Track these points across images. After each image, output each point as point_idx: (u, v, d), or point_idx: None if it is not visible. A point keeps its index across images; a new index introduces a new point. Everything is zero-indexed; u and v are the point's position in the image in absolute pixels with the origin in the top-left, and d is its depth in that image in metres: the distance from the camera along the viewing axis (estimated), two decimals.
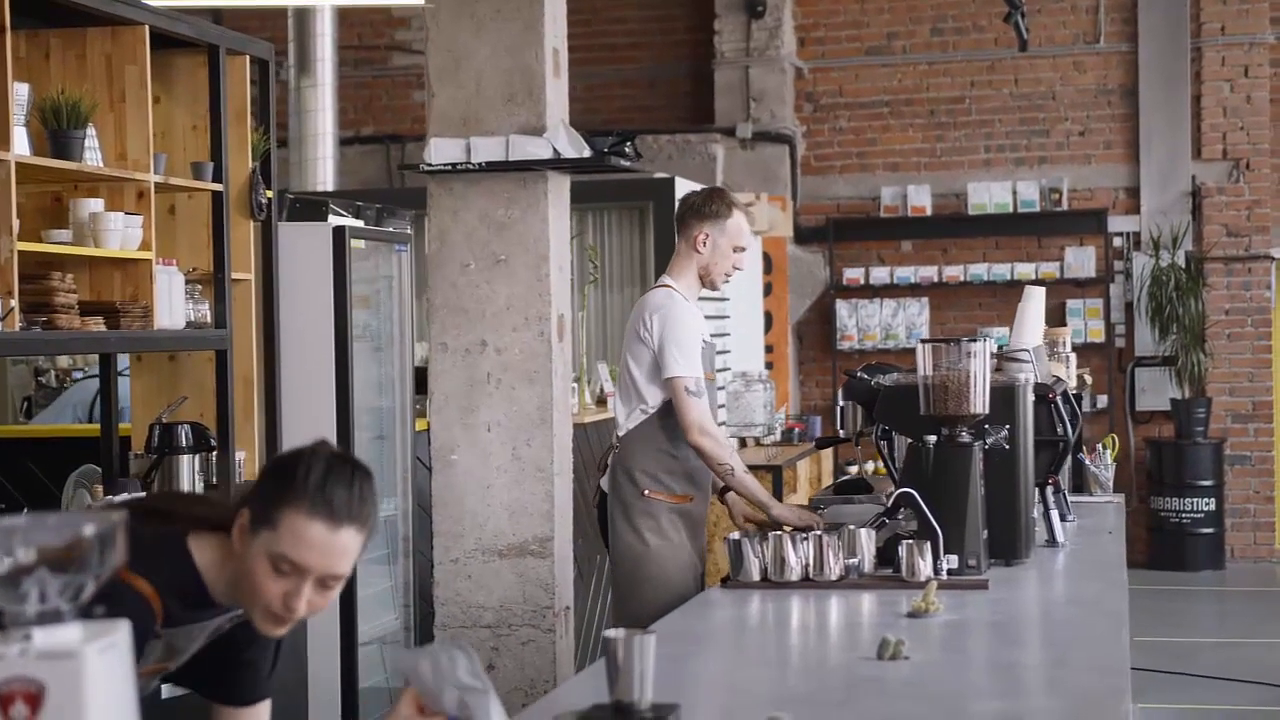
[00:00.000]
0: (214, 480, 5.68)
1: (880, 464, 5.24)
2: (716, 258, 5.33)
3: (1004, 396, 4.57)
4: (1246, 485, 12.73)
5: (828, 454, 11.41)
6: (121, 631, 1.79)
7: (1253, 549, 12.73)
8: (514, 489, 5.65)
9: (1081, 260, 12.77)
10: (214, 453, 5.65)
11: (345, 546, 2.60)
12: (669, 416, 5.28)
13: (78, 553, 1.76)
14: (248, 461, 5.94)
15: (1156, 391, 12.72)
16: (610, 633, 2.77)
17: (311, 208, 6.48)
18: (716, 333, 10.31)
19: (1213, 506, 12.38)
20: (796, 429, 11.05)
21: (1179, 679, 8.80)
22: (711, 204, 5.35)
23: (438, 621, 5.69)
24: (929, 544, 4.25)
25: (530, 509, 5.63)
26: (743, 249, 5.39)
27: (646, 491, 5.24)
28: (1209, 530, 12.40)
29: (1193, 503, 12.35)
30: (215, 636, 2.83)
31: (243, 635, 2.85)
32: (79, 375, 8.52)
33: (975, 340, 4.45)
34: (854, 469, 10.71)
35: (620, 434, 5.34)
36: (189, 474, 5.47)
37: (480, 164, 5.59)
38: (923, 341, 4.49)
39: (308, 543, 2.58)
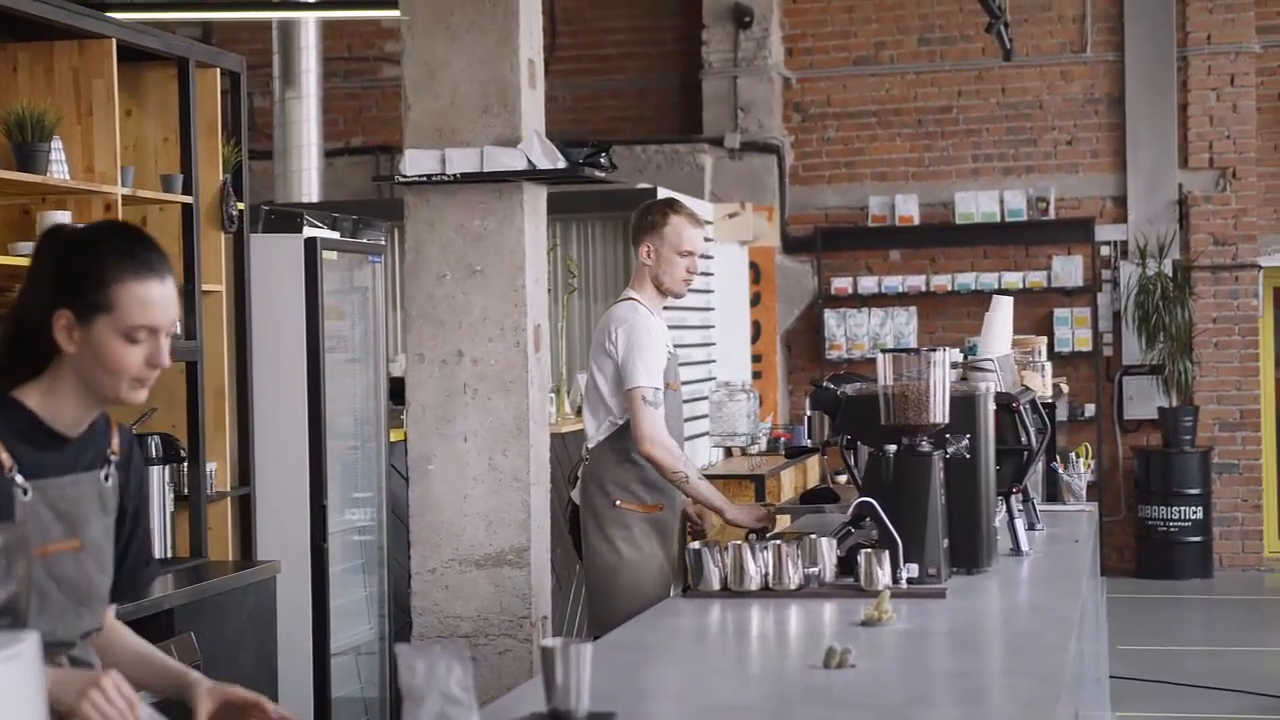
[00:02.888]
0: (185, 491, 5.70)
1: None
2: (663, 266, 5.44)
3: (965, 406, 4.57)
4: (1234, 494, 12.73)
5: (814, 463, 11.42)
6: (29, 642, 1.81)
7: (1240, 557, 12.73)
8: (491, 499, 5.65)
9: (1069, 269, 12.78)
10: (184, 464, 5.66)
11: (171, 291, 2.79)
12: None
13: None
14: (219, 473, 5.95)
15: (1144, 400, 12.73)
16: (546, 642, 2.80)
17: (287, 219, 6.49)
18: (702, 342, 10.36)
19: (1200, 515, 12.39)
20: (783, 438, 11.05)
21: (1162, 687, 8.81)
22: (648, 216, 5.51)
23: (415, 631, 5.70)
24: (888, 553, 4.26)
25: (507, 519, 5.64)
26: (689, 253, 5.47)
27: (618, 502, 5.34)
28: (1197, 539, 12.40)
29: (1180, 511, 12.35)
30: (101, 509, 2.85)
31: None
32: None
33: (935, 350, 4.46)
34: (843, 479, 10.71)
35: (590, 445, 5.44)
36: (159, 485, 5.48)
37: (455, 175, 5.60)
38: (883, 351, 4.51)
39: (151, 304, 2.74)
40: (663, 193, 10.15)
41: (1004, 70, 12.87)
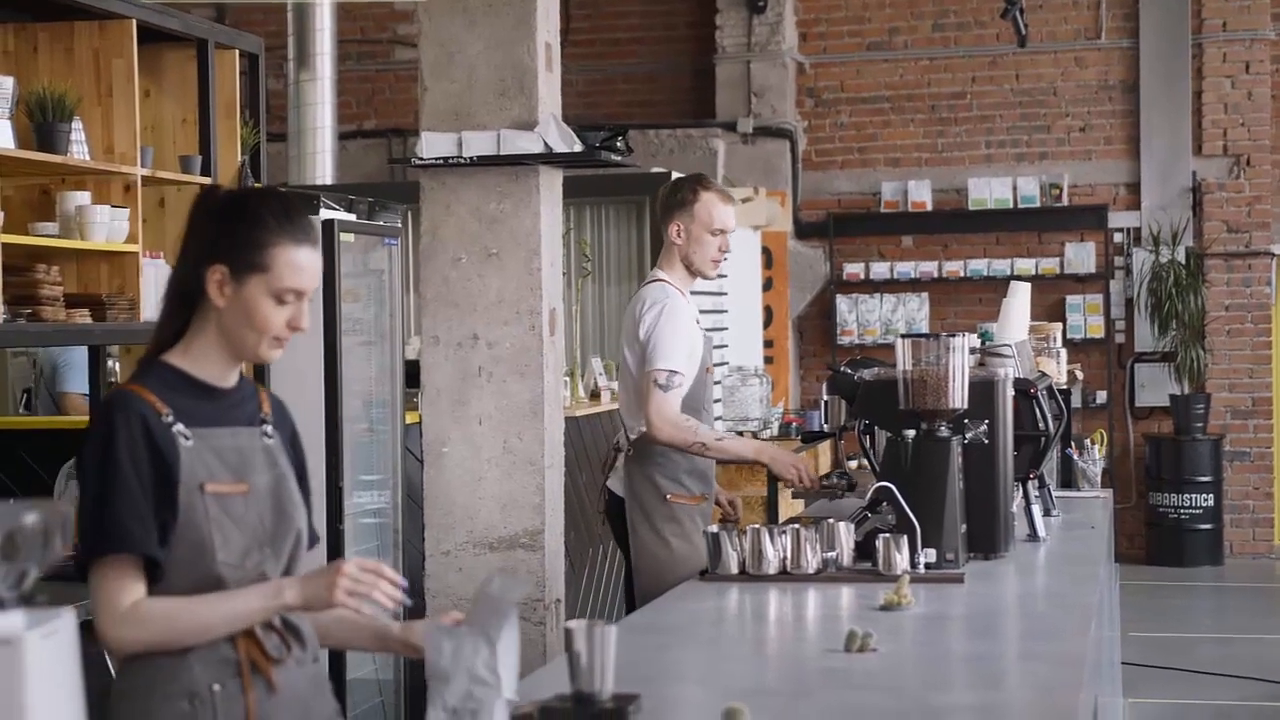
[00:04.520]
0: None
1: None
2: (693, 246, 5.29)
3: (983, 391, 4.57)
4: (1245, 481, 12.74)
5: (826, 448, 11.42)
6: (66, 619, 1.82)
7: (1251, 545, 12.74)
8: (505, 482, 5.65)
9: (1082, 256, 12.77)
10: None
11: (319, 259, 2.91)
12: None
13: (20, 541, 1.79)
14: None
15: (1156, 387, 12.72)
16: (571, 624, 2.80)
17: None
18: (714, 327, 10.35)
19: (1211, 502, 12.39)
20: (795, 423, 11.05)
21: (1172, 674, 8.82)
22: (677, 193, 5.34)
23: (428, 614, 5.71)
24: (906, 538, 4.26)
25: (521, 502, 5.64)
26: (721, 231, 5.31)
27: (669, 496, 5.21)
28: (1207, 526, 12.41)
29: (1191, 498, 12.36)
30: (268, 462, 2.95)
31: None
32: None
33: (954, 335, 4.46)
34: (854, 464, 10.71)
35: (632, 437, 5.29)
36: None
37: (472, 158, 5.59)
38: (902, 336, 4.50)
39: (303, 269, 2.86)
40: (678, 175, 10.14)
41: (1018, 56, 12.85)
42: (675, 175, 10.21)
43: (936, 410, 4.43)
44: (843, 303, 13.08)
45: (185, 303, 2.90)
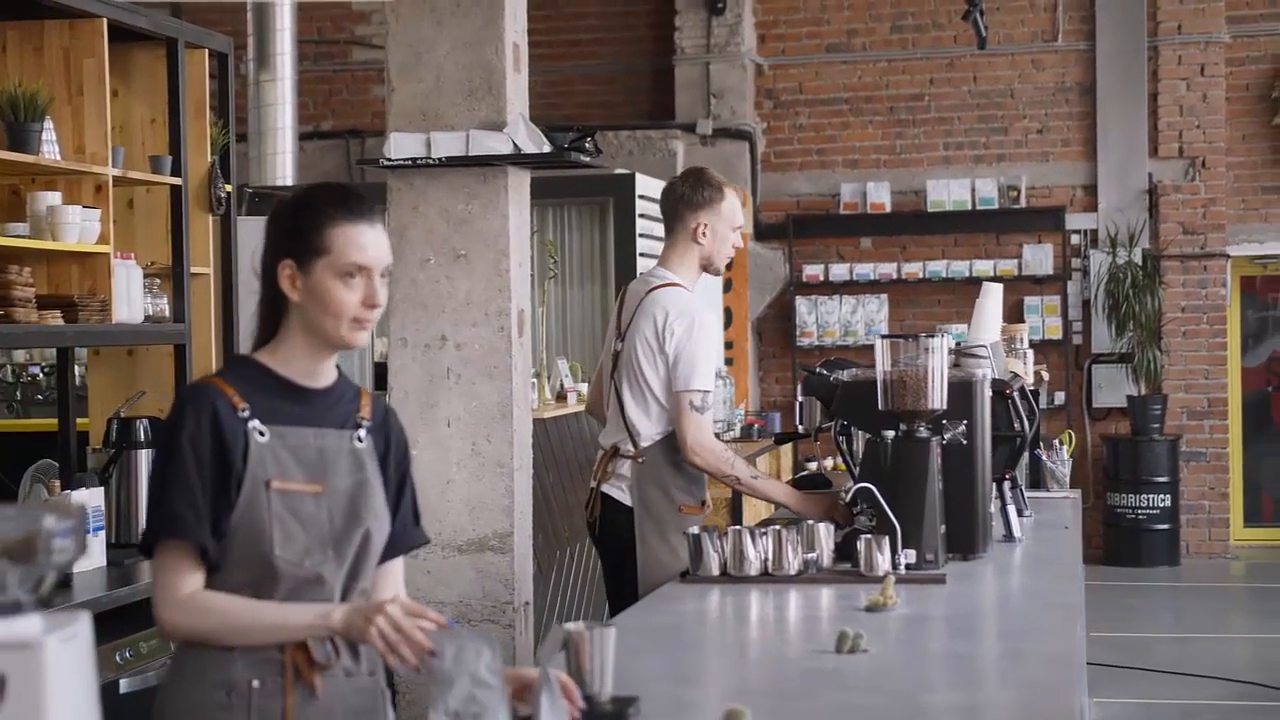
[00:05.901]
0: None
1: (840, 459, 5.22)
2: (717, 244, 5.11)
3: (962, 392, 4.58)
4: (1201, 481, 12.82)
5: (787, 450, 11.46)
6: (83, 623, 1.80)
7: (1207, 545, 12.83)
8: (474, 484, 5.64)
9: (1039, 258, 12.84)
10: None
11: (383, 237, 2.96)
12: None
13: (37, 544, 1.77)
14: None
15: (1113, 388, 12.80)
16: (571, 626, 2.79)
17: (270, 202, 6.47)
18: None
19: (1168, 503, 12.47)
20: (756, 425, 11.09)
21: (1134, 673, 8.87)
22: (703, 190, 5.10)
23: None
24: (887, 539, 4.27)
25: (490, 504, 5.63)
26: (739, 227, 5.16)
27: (682, 507, 5.07)
28: (1164, 526, 12.49)
29: (1148, 499, 12.43)
30: (353, 465, 2.97)
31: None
32: (35, 370, 8.50)
33: (933, 336, 4.47)
34: (813, 465, 10.76)
35: (644, 444, 5.06)
36: (147, 469, 5.44)
37: (440, 159, 5.57)
38: (882, 337, 4.51)
39: (363, 244, 2.91)
40: (642, 180, 10.15)
41: (976, 58, 12.91)
42: (640, 178, 10.22)
43: (916, 411, 4.44)
44: (802, 304, 13.10)
45: (272, 307, 2.96)
